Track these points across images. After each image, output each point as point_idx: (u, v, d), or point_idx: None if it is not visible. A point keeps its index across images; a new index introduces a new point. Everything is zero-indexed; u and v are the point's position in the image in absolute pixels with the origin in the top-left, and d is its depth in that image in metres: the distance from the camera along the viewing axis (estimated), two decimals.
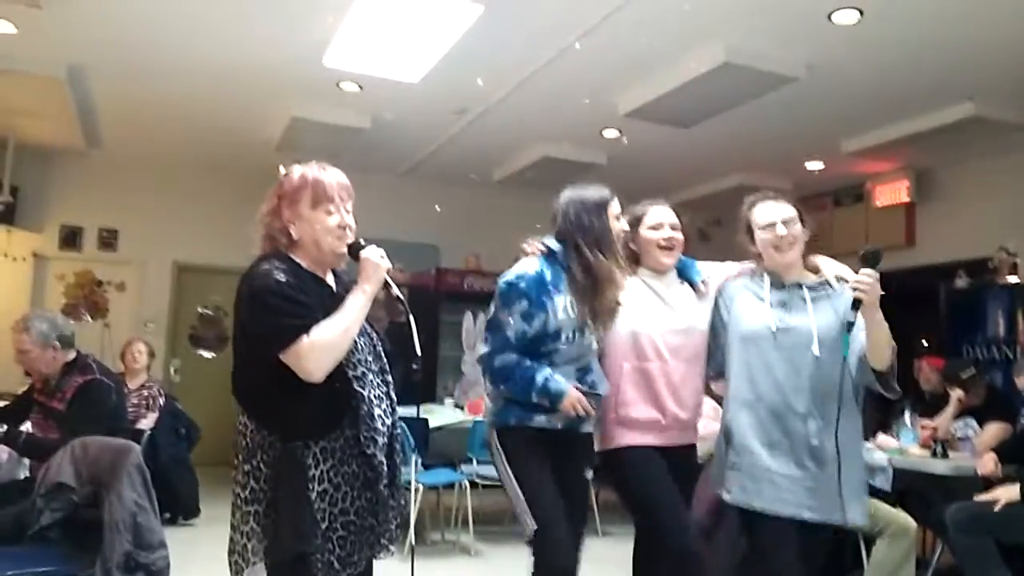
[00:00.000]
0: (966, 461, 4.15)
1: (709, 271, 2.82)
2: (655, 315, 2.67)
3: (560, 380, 2.47)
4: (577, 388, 2.48)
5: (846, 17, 4.46)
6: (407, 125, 6.65)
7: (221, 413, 7.86)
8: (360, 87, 5.80)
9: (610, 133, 6.64)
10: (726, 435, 2.58)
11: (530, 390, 2.47)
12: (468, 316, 7.32)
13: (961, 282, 6.65)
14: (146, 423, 5.26)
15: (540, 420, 2.53)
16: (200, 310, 8.69)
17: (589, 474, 2.66)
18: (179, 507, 5.52)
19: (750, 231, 2.62)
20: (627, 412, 2.63)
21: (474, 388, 6.97)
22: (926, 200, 7.14)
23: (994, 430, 4.44)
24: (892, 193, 7.23)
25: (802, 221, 2.58)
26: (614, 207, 2.61)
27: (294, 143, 6.98)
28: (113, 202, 8.20)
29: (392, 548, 2.08)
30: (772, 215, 2.56)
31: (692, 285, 2.77)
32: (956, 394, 4.65)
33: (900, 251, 7.02)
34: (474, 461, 5.27)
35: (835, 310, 2.49)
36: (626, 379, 2.64)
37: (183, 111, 6.54)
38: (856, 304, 2.30)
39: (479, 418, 5.45)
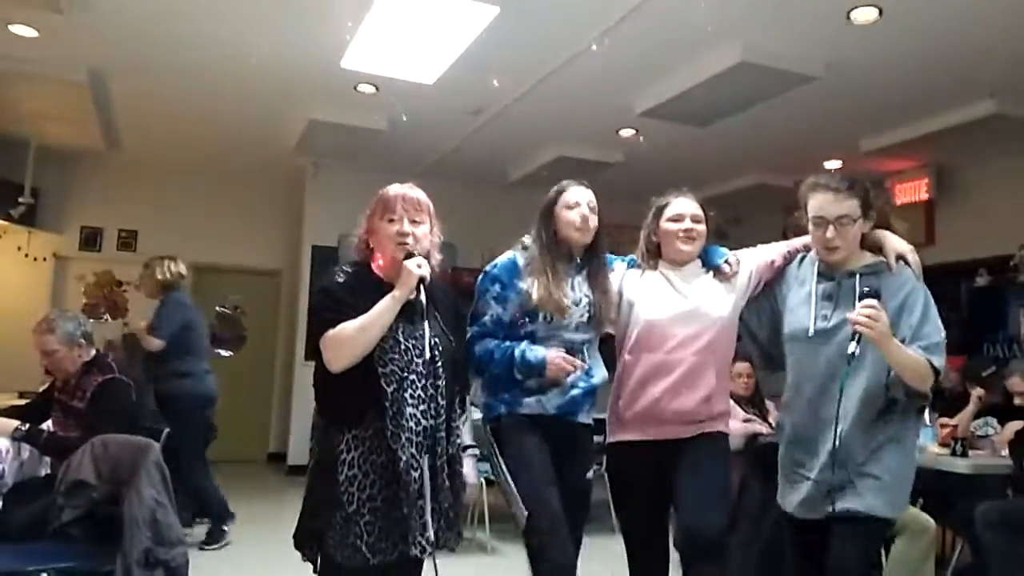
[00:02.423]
0: (986, 460, 4.11)
1: (748, 255, 2.69)
2: (666, 306, 2.58)
3: (537, 348, 2.47)
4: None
5: (865, 15, 4.42)
6: (423, 126, 6.66)
7: (237, 411, 7.95)
8: (376, 88, 5.82)
9: (626, 132, 6.63)
10: (784, 440, 2.54)
11: (511, 366, 2.48)
12: None
13: (982, 280, 6.61)
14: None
15: (530, 404, 2.51)
16: (218, 309, 8.75)
17: (590, 474, 2.59)
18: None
19: (805, 212, 2.48)
20: (625, 407, 2.59)
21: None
22: (946, 198, 7.08)
23: (1015, 428, 4.40)
24: (912, 191, 7.17)
25: (867, 209, 2.41)
26: (567, 196, 2.61)
27: (311, 145, 7.04)
28: (132, 203, 8.30)
29: (426, 547, 2.09)
30: (826, 211, 2.38)
31: (716, 268, 2.65)
32: (976, 392, 4.61)
33: (920, 249, 6.77)
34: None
35: (885, 302, 2.31)
36: (627, 371, 2.60)
37: (202, 114, 6.59)
38: (856, 336, 2.20)
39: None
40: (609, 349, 2.71)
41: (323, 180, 8.07)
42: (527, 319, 2.53)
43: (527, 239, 2.65)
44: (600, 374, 2.62)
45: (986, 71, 5.14)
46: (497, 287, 2.56)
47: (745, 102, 5.57)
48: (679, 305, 2.59)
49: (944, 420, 4.51)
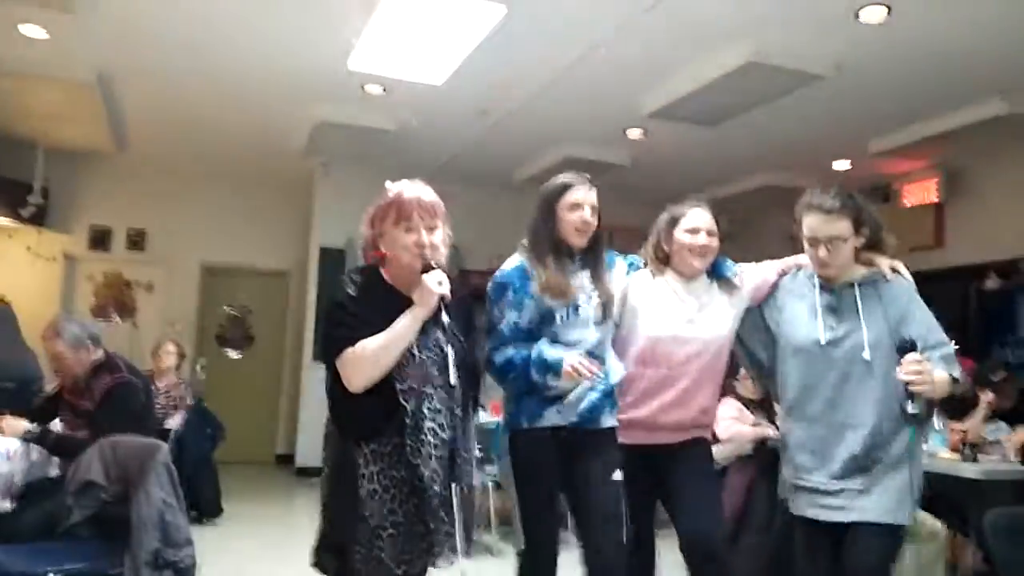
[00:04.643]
0: (996, 465, 4.09)
1: (748, 271, 2.73)
2: (672, 322, 2.61)
3: (557, 348, 2.44)
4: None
5: (873, 15, 4.41)
6: (431, 127, 6.66)
7: (245, 412, 7.96)
8: (384, 90, 5.82)
9: (634, 133, 6.62)
10: (783, 447, 2.59)
11: (529, 370, 2.44)
12: None
13: (991, 283, 6.56)
14: (173, 422, 5.32)
15: (551, 416, 2.49)
16: (226, 310, 8.78)
17: (618, 475, 2.55)
18: (201, 506, 5.55)
19: (800, 228, 2.54)
20: (625, 413, 2.60)
21: (496, 389, 6.97)
22: (955, 199, 7.02)
23: None
24: (921, 193, 7.11)
25: (858, 227, 2.47)
26: (572, 195, 2.53)
27: (320, 146, 7.05)
28: (141, 204, 8.34)
29: (450, 558, 2.09)
30: (818, 231, 2.46)
31: (725, 280, 2.68)
32: (986, 397, 4.58)
33: (929, 252, 6.94)
34: (496, 461, 5.26)
35: (884, 310, 2.44)
36: (629, 381, 2.60)
37: (211, 115, 6.61)
38: (912, 395, 2.27)
39: (501, 419, 5.46)
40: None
41: (332, 181, 8.08)
42: (544, 322, 2.50)
43: (526, 240, 2.62)
44: (617, 373, 2.59)
45: (996, 71, 5.11)
46: (510, 293, 2.52)
47: (753, 102, 5.56)
48: (685, 323, 2.61)
49: (954, 425, 4.48)
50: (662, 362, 2.59)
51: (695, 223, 2.64)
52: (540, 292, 2.47)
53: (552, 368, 2.41)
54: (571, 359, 2.39)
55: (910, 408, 2.28)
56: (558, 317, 2.50)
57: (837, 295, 2.50)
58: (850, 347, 2.43)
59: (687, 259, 2.64)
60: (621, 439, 2.60)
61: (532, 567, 2.54)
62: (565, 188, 2.56)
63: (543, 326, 2.50)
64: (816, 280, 2.55)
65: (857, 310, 2.45)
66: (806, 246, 2.51)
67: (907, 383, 2.26)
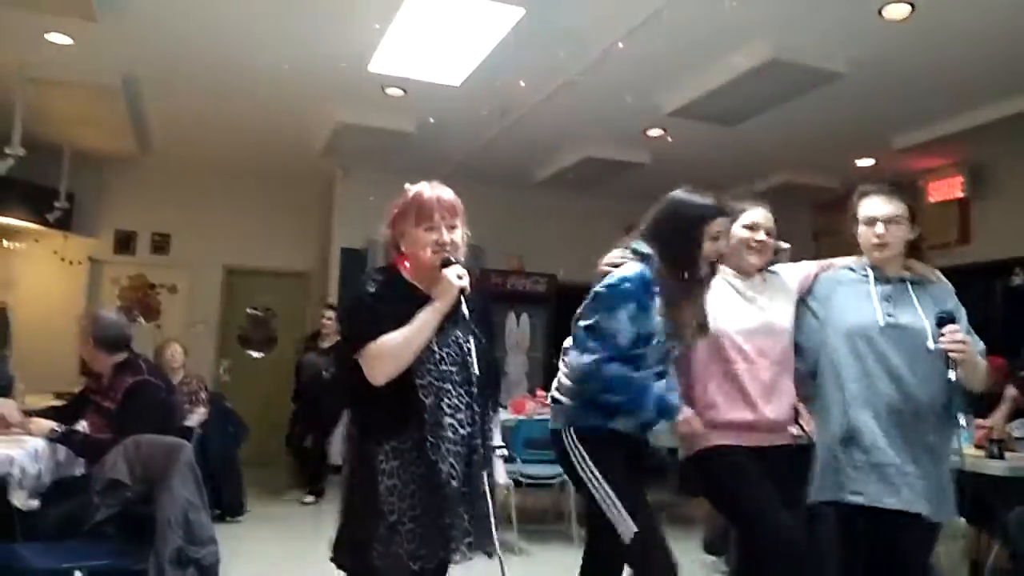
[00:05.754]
0: (1022, 462, 4.03)
1: (787, 267, 2.75)
2: (737, 315, 2.58)
3: (675, 395, 2.45)
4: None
5: (896, 11, 4.37)
6: (450, 128, 6.68)
7: (268, 412, 8.02)
8: (404, 91, 5.85)
9: (654, 132, 6.59)
10: (847, 436, 2.46)
11: (645, 402, 2.39)
12: (511, 317, 7.34)
13: (1018, 279, 6.48)
14: (195, 418, 5.35)
15: (619, 423, 2.48)
16: (249, 311, 8.85)
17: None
18: (224, 505, 5.59)
19: (855, 220, 2.60)
20: (717, 415, 2.54)
21: (517, 387, 6.99)
22: (981, 196, 6.94)
23: None
24: (946, 189, 7.04)
25: (912, 220, 2.56)
26: (715, 225, 2.47)
27: (340, 148, 7.08)
28: (165, 207, 8.42)
29: (468, 554, 2.10)
30: (875, 211, 2.53)
31: (776, 277, 2.69)
32: (1010, 392, 4.52)
33: (954, 248, 6.86)
34: (518, 460, 5.26)
35: (937, 307, 2.49)
36: (713, 382, 2.57)
37: (233, 118, 6.68)
38: (953, 364, 2.32)
39: (522, 417, 5.47)
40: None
41: (352, 182, 8.12)
42: (640, 343, 2.43)
43: (644, 247, 2.51)
44: (675, 395, 2.51)
45: (1020, 67, 5.03)
46: (633, 306, 2.41)
47: (775, 100, 5.52)
48: (756, 316, 2.60)
49: (979, 421, 4.43)
50: (739, 357, 2.55)
51: (754, 219, 2.67)
52: (662, 315, 2.44)
53: (667, 414, 2.44)
54: (689, 417, 2.50)
55: (951, 375, 2.32)
56: (655, 340, 2.44)
57: (892, 287, 2.53)
58: (912, 335, 2.45)
59: (744, 254, 2.64)
60: (724, 441, 2.54)
61: (656, 549, 2.42)
62: (715, 214, 2.49)
63: (640, 342, 2.43)
64: (869, 271, 2.57)
65: (913, 302, 2.50)
66: (862, 230, 2.56)
67: (948, 351, 2.32)
